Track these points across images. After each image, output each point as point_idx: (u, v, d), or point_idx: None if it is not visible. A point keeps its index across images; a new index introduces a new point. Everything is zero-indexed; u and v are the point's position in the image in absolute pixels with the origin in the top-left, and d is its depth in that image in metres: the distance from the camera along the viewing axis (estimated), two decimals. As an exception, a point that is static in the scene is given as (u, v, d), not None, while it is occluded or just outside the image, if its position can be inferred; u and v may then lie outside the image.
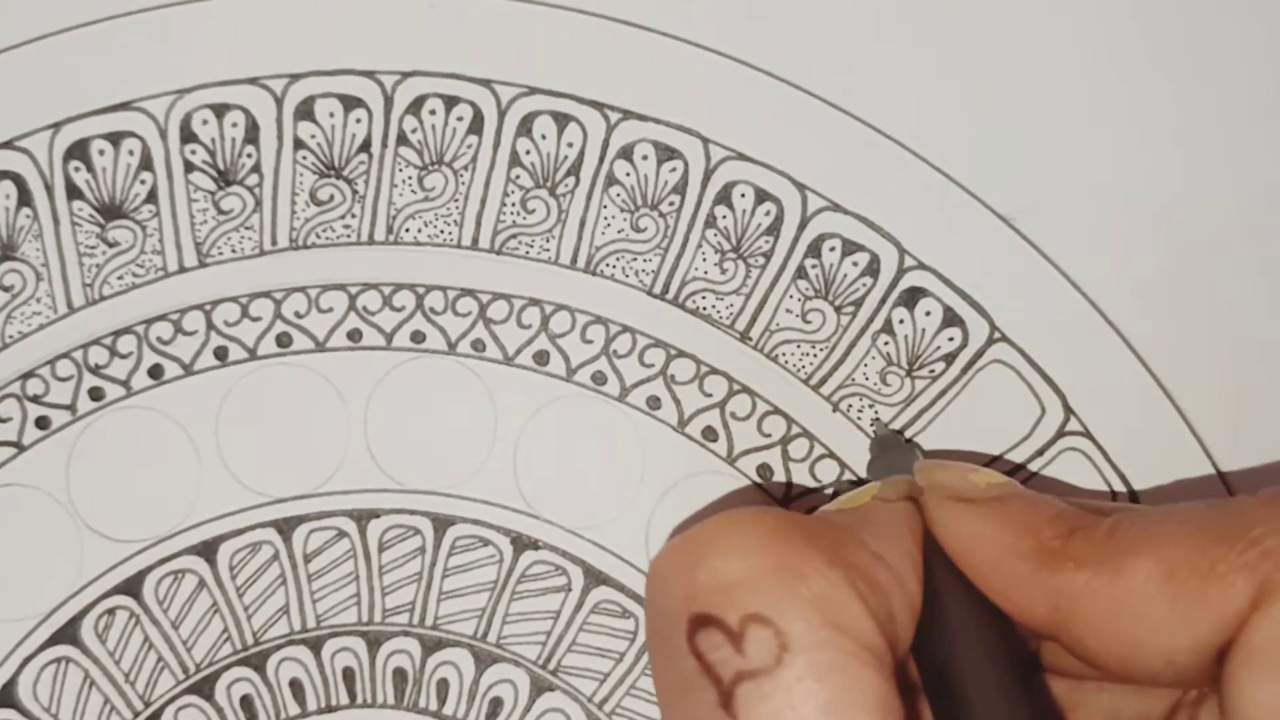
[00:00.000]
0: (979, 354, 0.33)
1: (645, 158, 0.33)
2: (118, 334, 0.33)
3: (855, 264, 0.33)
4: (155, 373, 0.33)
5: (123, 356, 0.33)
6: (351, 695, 0.33)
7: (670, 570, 0.23)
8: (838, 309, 0.33)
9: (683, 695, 0.22)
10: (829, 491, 0.33)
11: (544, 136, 0.33)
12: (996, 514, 0.25)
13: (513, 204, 0.34)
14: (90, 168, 0.33)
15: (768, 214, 0.33)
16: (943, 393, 0.33)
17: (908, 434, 0.33)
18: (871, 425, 0.33)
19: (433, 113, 0.33)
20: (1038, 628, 0.24)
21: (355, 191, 0.34)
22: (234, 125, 0.33)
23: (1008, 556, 0.24)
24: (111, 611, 0.33)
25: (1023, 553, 0.24)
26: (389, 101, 0.33)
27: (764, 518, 0.23)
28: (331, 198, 0.34)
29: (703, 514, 0.33)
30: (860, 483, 0.32)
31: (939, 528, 0.25)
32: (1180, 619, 0.21)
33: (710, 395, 0.33)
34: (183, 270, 0.34)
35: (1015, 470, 0.33)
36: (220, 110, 0.33)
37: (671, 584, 0.22)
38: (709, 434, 0.33)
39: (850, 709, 0.21)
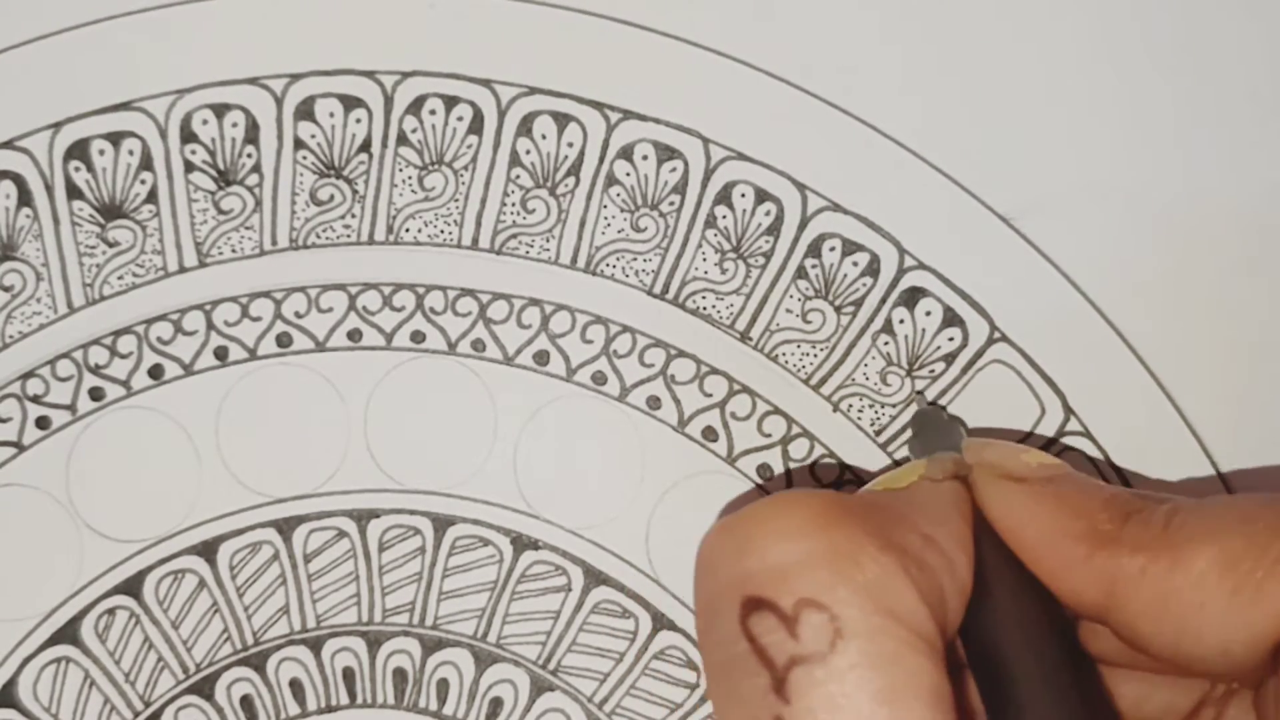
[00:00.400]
0: (979, 354, 0.33)
1: (645, 157, 0.33)
2: (118, 334, 0.33)
3: (855, 264, 0.33)
4: (155, 373, 0.33)
5: (123, 357, 0.33)
6: (351, 695, 0.33)
7: (721, 552, 0.22)
8: (838, 309, 0.33)
9: (734, 678, 0.22)
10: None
11: (544, 136, 0.33)
12: (1049, 495, 0.25)
13: (513, 204, 0.34)
14: (90, 168, 0.33)
15: (768, 214, 0.33)
16: (943, 393, 0.33)
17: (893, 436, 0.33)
18: (911, 400, 0.33)
19: (433, 112, 0.33)
20: (1087, 611, 0.24)
21: (355, 191, 0.34)
22: (234, 125, 0.33)
23: (1061, 539, 0.24)
24: (112, 611, 0.33)
25: (1077, 535, 0.24)
26: (389, 101, 0.33)
27: (816, 500, 0.23)
28: (331, 198, 0.34)
29: (703, 514, 0.33)
30: (898, 464, 0.32)
31: (989, 507, 0.25)
32: (1239, 610, 0.21)
33: (710, 395, 0.33)
34: (183, 270, 0.34)
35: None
36: (220, 110, 0.33)
37: (722, 566, 0.22)
38: (709, 434, 0.33)
39: (903, 697, 0.21)
